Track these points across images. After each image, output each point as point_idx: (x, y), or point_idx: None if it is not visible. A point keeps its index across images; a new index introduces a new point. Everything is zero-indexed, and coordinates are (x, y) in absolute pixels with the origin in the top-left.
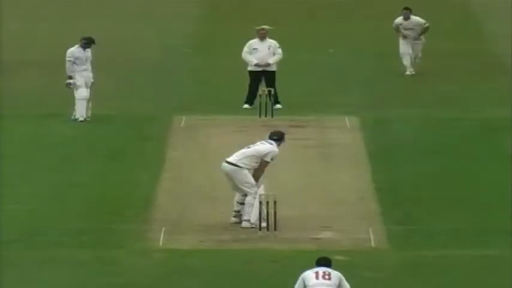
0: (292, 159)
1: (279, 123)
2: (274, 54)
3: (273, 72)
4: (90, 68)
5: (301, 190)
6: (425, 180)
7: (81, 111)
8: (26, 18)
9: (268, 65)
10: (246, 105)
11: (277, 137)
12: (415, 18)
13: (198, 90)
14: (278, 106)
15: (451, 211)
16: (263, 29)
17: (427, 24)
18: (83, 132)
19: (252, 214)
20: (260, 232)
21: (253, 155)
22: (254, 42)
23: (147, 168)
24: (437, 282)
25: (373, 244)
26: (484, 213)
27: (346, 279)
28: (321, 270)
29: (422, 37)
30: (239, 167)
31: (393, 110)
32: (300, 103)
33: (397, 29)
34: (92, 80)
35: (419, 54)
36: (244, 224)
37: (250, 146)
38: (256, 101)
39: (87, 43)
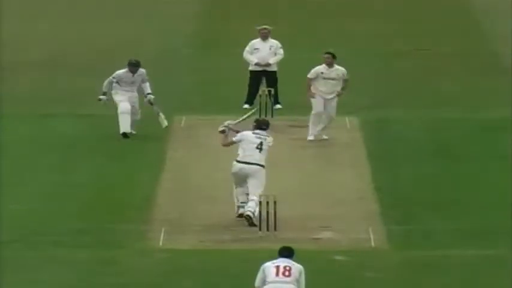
0: (292, 159)
1: (279, 123)
2: (275, 54)
3: (274, 72)
4: (136, 92)
5: (301, 190)
6: (425, 180)
7: (124, 125)
8: (26, 18)
9: (269, 65)
10: (246, 105)
11: (266, 126)
12: (338, 67)
13: (198, 90)
14: (278, 106)
15: (451, 211)
16: (265, 28)
17: (348, 76)
18: (83, 132)
19: (256, 210)
20: (260, 232)
21: (266, 151)
22: (256, 42)
23: (147, 168)
24: (437, 282)
25: (373, 244)
26: (484, 213)
27: (346, 279)
28: (282, 264)
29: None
30: (263, 167)
31: (393, 110)
32: (300, 103)
33: (313, 80)
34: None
35: (333, 116)
36: (247, 212)
37: (260, 145)
38: (256, 101)
39: (130, 67)
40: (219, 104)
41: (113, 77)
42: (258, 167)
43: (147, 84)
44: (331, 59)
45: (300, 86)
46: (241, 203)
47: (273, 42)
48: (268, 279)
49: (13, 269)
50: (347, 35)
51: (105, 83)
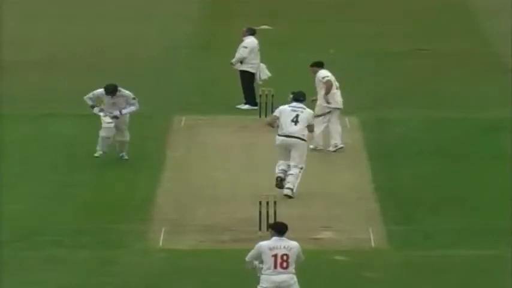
0: None
1: None
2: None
3: (240, 71)
4: (116, 111)
5: (301, 190)
6: (425, 180)
7: (102, 147)
8: (26, 18)
9: (231, 64)
10: (238, 106)
11: (303, 98)
12: (319, 72)
13: (198, 90)
14: (242, 106)
15: (451, 211)
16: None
17: (325, 80)
18: (83, 132)
19: (295, 185)
20: (260, 232)
21: (305, 125)
22: None
23: (147, 168)
24: (437, 282)
25: (373, 244)
26: (484, 213)
27: (346, 279)
28: (279, 252)
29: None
30: (303, 140)
31: (393, 110)
32: None
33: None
34: (116, 114)
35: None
36: (286, 191)
37: (296, 117)
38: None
39: (107, 92)
40: (219, 104)
41: (89, 95)
42: (297, 140)
43: (132, 108)
44: (312, 70)
45: (300, 85)
46: (281, 169)
47: (244, 41)
48: (267, 271)
49: (13, 269)
50: (347, 35)
51: (85, 99)
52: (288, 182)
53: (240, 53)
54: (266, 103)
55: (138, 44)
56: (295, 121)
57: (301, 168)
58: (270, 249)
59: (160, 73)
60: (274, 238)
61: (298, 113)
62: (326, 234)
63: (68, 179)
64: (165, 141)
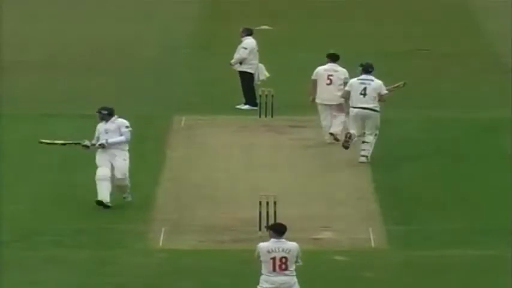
0: (292, 159)
1: (279, 123)
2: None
3: (240, 72)
4: (118, 149)
5: (301, 190)
6: (425, 180)
7: (101, 192)
8: (26, 18)
9: (231, 64)
10: (237, 106)
11: (372, 68)
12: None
13: (198, 90)
14: (242, 107)
15: (451, 211)
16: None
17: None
18: (83, 132)
19: (370, 153)
20: (260, 232)
21: (376, 95)
22: None
23: (147, 169)
24: (437, 282)
25: (373, 244)
26: (484, 213)
27: (346, 280)
28: (277, 255)
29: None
30: (374, 111)
31: (393, 110)
32: (300, 103)
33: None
34: (102, 142)
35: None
36: (361, 159)
37: (364, 90)
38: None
39: (103, 115)
40: (219, 104)
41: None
42: (369, 111)
43: (122, 138)
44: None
45: (300, 85)
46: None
47: (243, 42)
48: (265, 271)
49: (13, 269)
50: (347, 35)
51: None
52: (363, 150)
53: (240, 53)
54: (266, 103)
55: (138, 44)
56: (363, 93)
57: (376, 135)
58: (269, 251)
59: (160, 73)
60: (273, 240)
61: (366, 85)
62: (326, 234)
63: (68, 179)
64: (165, 141)
